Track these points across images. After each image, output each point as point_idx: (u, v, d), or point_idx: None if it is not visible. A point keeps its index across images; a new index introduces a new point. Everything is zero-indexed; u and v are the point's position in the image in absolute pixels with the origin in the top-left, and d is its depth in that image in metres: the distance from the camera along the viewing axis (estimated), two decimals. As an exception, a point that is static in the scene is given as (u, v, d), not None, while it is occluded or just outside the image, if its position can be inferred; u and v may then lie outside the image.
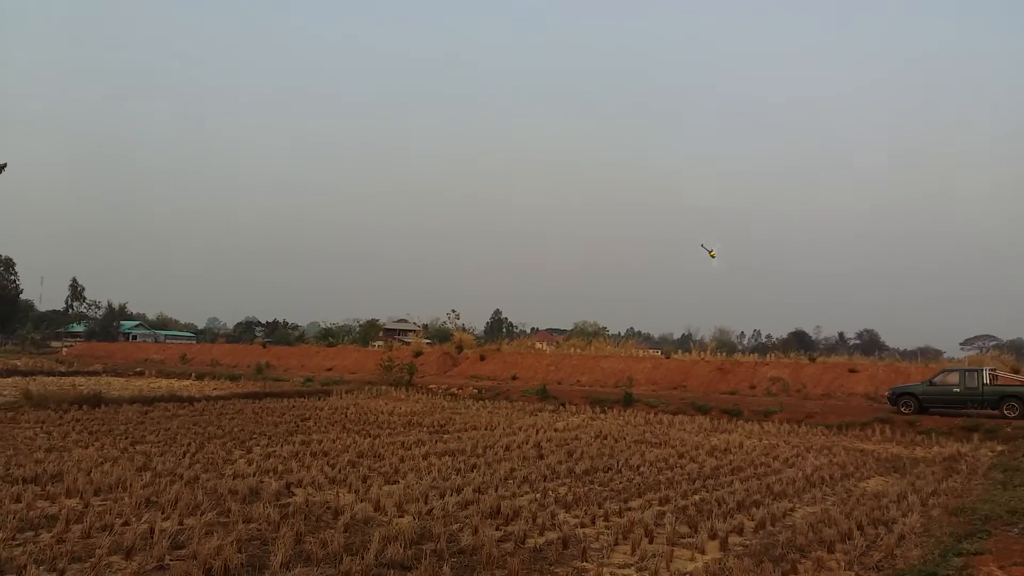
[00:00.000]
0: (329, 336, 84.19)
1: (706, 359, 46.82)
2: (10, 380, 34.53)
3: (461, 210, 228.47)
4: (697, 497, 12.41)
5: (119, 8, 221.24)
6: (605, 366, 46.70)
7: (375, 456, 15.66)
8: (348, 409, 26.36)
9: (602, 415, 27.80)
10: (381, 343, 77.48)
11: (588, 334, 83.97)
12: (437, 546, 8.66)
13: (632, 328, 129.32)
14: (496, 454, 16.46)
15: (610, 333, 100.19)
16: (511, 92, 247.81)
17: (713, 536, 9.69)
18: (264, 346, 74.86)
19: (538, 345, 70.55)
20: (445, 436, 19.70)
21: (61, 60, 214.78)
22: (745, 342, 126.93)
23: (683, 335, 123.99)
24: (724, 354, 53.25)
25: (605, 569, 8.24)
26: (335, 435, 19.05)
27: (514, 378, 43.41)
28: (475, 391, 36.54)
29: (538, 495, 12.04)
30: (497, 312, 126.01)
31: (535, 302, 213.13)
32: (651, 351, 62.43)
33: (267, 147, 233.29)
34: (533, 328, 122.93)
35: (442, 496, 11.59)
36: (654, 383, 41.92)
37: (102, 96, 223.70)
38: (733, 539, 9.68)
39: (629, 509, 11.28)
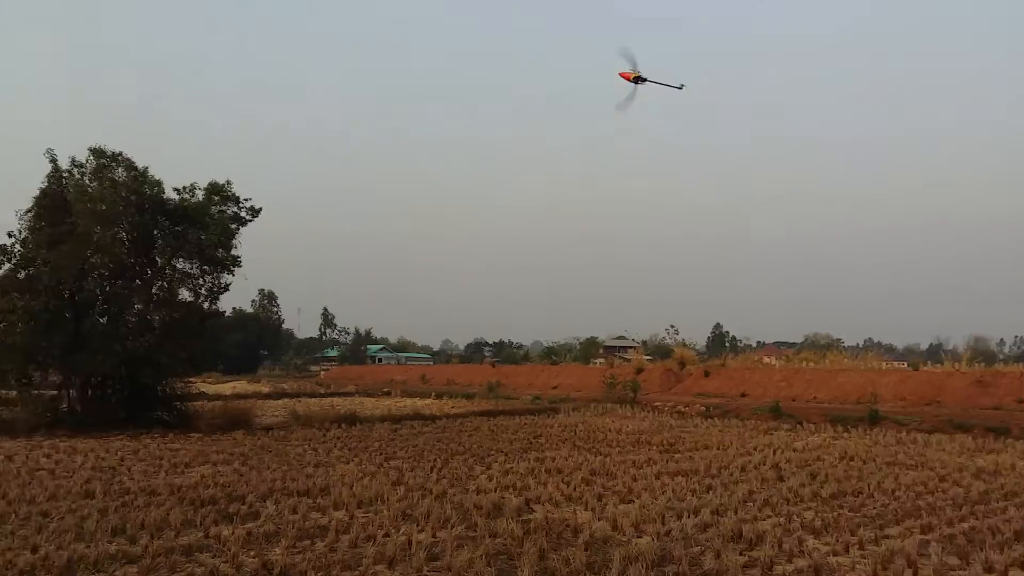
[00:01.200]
0: (552, 355, 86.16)
1: (962, 371, 42.14)
2: (280, 402, 38.81)
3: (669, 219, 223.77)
4: (965, 525, 11.23)
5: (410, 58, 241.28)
6: (843, 381, 43.52)
7: (607, 474, 15.78)
8: (576, 427, 26.77)
9: (845, 434, 25.97)
10: (602, 360, 77.95)
11: (821, 347, 78.80)
12: (679, 569, 8.56)
13: (871, 339, 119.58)
14: (732, 475, 15.94)
15: (845, 345, 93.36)
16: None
17: (989, 569, 8.74)
18: (493, 365, 77.99)
19: (765, 360, 67.38)
20: (676, 455, 19.40)
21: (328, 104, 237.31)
22: (1007, 350, 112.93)
23: (931, 345, 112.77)
24: (983, 364, 47.68)
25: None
26: (566, 452, 19.43)
27: (743, 395, 41.74)
28: (703, 408, 35.62)
29: (782, 519, 11.50)
30: (718, 326, 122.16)
31: (758, 314, 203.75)
32: (895, 364, 57.34)
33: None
34: (759, 342, 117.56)
35: (679, 517, 11.43)
36: (902, 399, 38.38)
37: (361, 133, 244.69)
38: (1014, 573, 8.66)
39: (886, 537, 10.44)
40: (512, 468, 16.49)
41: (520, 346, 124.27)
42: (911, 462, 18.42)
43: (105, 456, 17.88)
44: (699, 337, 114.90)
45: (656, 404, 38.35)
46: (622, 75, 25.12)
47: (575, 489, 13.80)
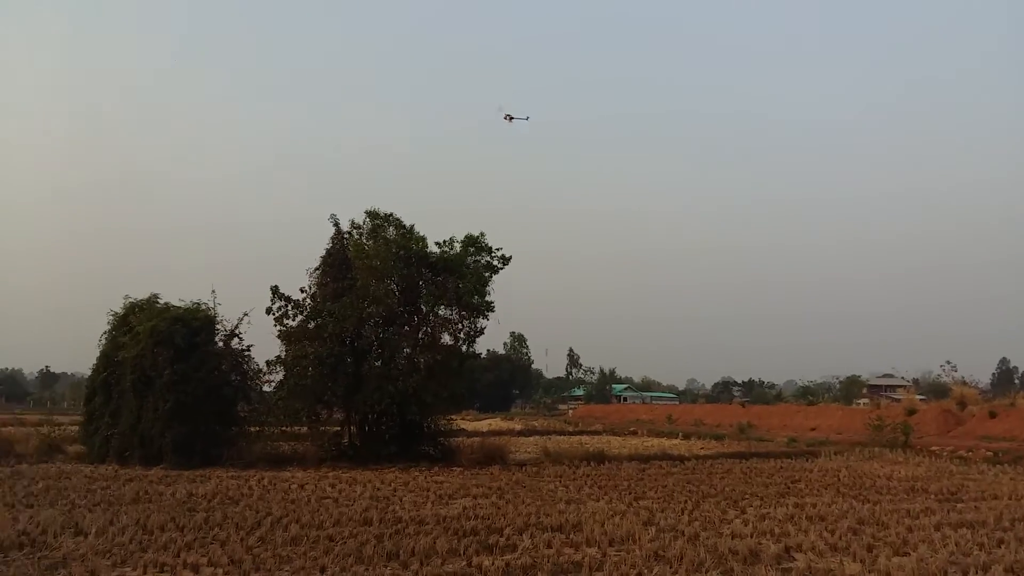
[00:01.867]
0: (808, 394, 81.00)
1: None
2: (531, 439, 40.15)
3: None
4: None
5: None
6: None
7: (878, 524, 14.51)
8: (840, 472, 24.88)
9: None
10: (866, 401, 71.96)
11: None
12: (969, 632, 7.66)
13: None
14: (1031, 529, 13.96)
15: None
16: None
17: None
18: (743, 405, 75.04)
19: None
20: (959, 505, 17.36)
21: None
22: None
23: None
24: None
25: None
26: (829, 499, 18.14)
27: (1042, 438, 36.40)
28: (989, 454, 31.54)
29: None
30: (1004, 361, 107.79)
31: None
32: None
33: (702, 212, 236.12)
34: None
35: (964, 574, 10.23)
36: None
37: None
38: None
39: None
40: (769, 513, 15.71)
41: (772, 385, 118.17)
42: None
43: (380, 487, 19.61)
44: (981, 374, 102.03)
45: (932, 449, 34.57)
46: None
47: (840, 538, 12.84)
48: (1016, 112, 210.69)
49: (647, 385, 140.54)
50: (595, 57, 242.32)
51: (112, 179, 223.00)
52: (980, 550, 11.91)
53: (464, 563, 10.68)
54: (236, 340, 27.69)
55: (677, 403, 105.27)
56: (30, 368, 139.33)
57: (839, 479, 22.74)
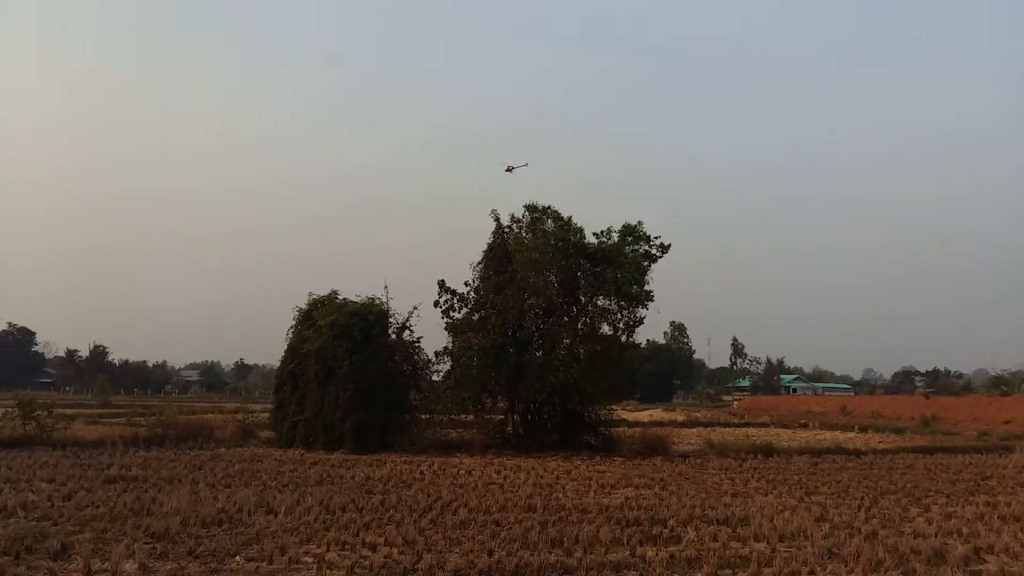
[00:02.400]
0: (1002, 384, 74.10)
1: None
2: (694, 431, 39.39)
3: None
4: None
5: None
6: None
7: (1088, 528, 13.15)
8: (1041, 469, 22.71)
9: None
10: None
11: None
12: None
13: None
14: None
15: None
16: None
17: None
18: (927, 396, 69.83)
19: None
20: None
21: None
22: None
23: None
24: None
25: None
26: (1029, 499, 16.62)
27: None
28: None
29: None
30: None
31: None
32: None
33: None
34: None
35: None
36: None
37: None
38: None
39: None
40: (956, 512, 14.64)
41: (959, 375, 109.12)
42: None
43: (543, 474, 20.03)
44: None
45: None
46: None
47: (1041, 542, 11.79)
48: None
49: (819, 375, 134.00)
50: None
51: (313, 177, 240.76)
52: None
53: (628, 553, 10.75)
54: (407, 332, 29.25)
55: (852, 394, 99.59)
56: (227, 360, 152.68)
57: (1040, 478, 20.77)
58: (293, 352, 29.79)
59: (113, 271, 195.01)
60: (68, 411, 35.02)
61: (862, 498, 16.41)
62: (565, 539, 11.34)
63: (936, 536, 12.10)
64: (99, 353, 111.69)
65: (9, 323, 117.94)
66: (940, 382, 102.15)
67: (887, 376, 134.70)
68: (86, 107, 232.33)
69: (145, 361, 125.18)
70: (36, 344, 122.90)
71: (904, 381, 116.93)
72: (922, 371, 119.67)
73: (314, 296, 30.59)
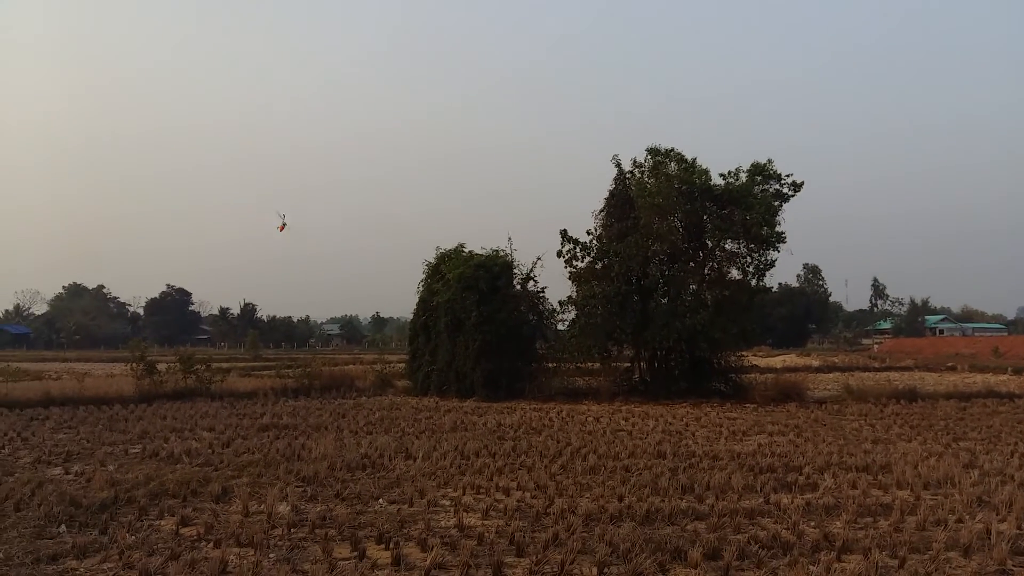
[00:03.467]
0: None
1: None
2: (831, 376, 38.01)
3: None
4: None
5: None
6: None
7: None
8: None
9: None
10: None
11: None
12: None
13: None
14: None
15: None
16: None
17: None
18: (1095, 336, 64.09)
19: None
20: None
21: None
22: None
23: None
24: None
25: None
26: None
27: None
28: None
29: None
30: None
31: None
32: None
33: None
34: None
35: None
36: None
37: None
38: None
39: None
40: None
41: None
42: None
43: (672, 421, 19.97)
44: None
45: None
46: None
47: None
48: None
49: (968, 316, 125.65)
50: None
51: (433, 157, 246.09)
52: None
53: (761, 500, 10.62)
54: (531, 283, 29.67)
55: (1006, 334, 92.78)
56: (364, 314, 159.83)
57: None
58: (424, 305, 30.84)
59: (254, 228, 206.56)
60: (224, 365, 37.75)
61: (1016, 444, 15.44)
62: (696, 485, 11.32)
63: (1102, 485, 11.25)
64: (249, 310, 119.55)
65: (168, 284, 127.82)
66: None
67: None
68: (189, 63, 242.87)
69: (290, 316, 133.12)
70: (192, 303, 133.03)
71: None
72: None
73: (442, 250, 31.44)
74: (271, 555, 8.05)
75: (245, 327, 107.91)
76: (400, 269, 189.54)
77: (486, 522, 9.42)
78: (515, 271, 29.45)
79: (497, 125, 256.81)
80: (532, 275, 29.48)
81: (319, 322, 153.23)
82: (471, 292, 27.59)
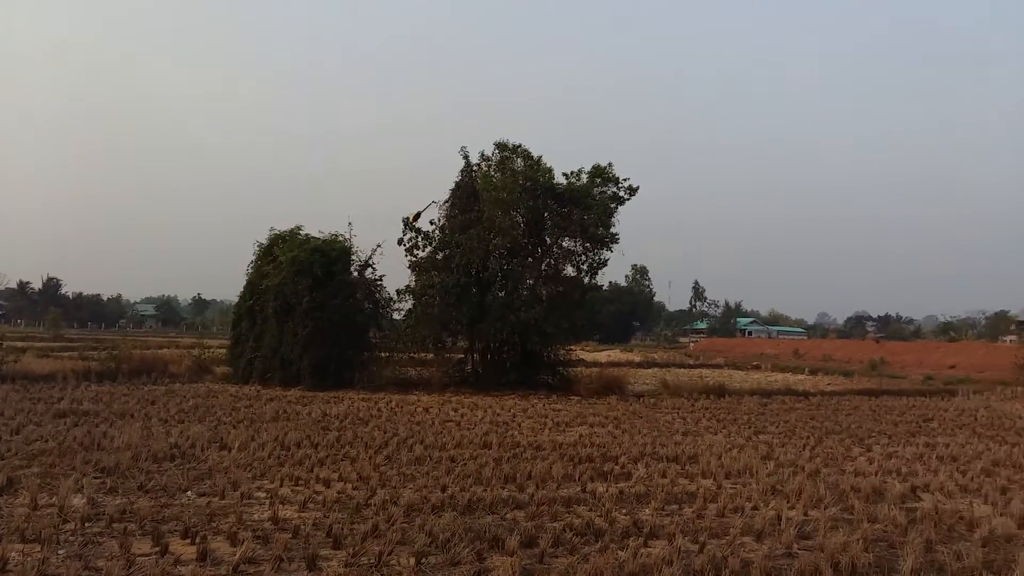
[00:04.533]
0: (950, 330, 76.59)
1: None
2: (650, 371, 40.18)
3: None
4: None
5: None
6: None
7: (1015, 467, 13.78)
8: (978, 411, 23.64)
9: None
10: (1013, 338, 67.21)
11: None
12: (1108, 583, 7.25)
13: None
14: None
15: None
16: None
17: None
18: (877, 341, 71.84)
19: None
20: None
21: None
22: None
23: None
24: None
25: None
26: (963, 439, 17.34)
27: None
28: None
29: None
30: None
31: None
32: None
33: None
34: None
35: (1109, 523, 9.61)
36: None
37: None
38: None
39: None
40: (896, 452, 15.20)
41: (910, 320, 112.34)
42: None
43: (500, 413, 20.26)
44: None
45: (1090, 390, 32.10)
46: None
47: (972, 479, 12.31)
48: None
49: (774, 319, 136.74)
50: None
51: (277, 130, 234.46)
52: None
53: (579, 488, 10.97)
54: (369, 270, 29.08)
55: (805, 338, 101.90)
56: (184, 295, 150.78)
57: (976, 419, 21.63)
58: (252, 288, 29.45)
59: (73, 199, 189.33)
60: (19, 344, 34.36)
61: (808, 438, 16.93)
62: (518, 475, 11.52)
63: (876, 475, 12.55)
64: (52, 285, 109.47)
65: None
66: (891, 327, 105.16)
67: (840, 321, 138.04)
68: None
69: (99, 294, 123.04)
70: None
71: (856, 326, 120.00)
72: (874, 316, 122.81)
73: (275, 231, 30.15)
74: (60, 551, 7.35)
75: (47, 304, 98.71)
76: (226, 248, 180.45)
77: (303, 514, 9.10)
78: (353, 257, 28.77)
79: (346, 108, 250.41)
80: (371, 262, 28.93)
81: (132, 302, 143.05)
82: (304, 276, 26.65)
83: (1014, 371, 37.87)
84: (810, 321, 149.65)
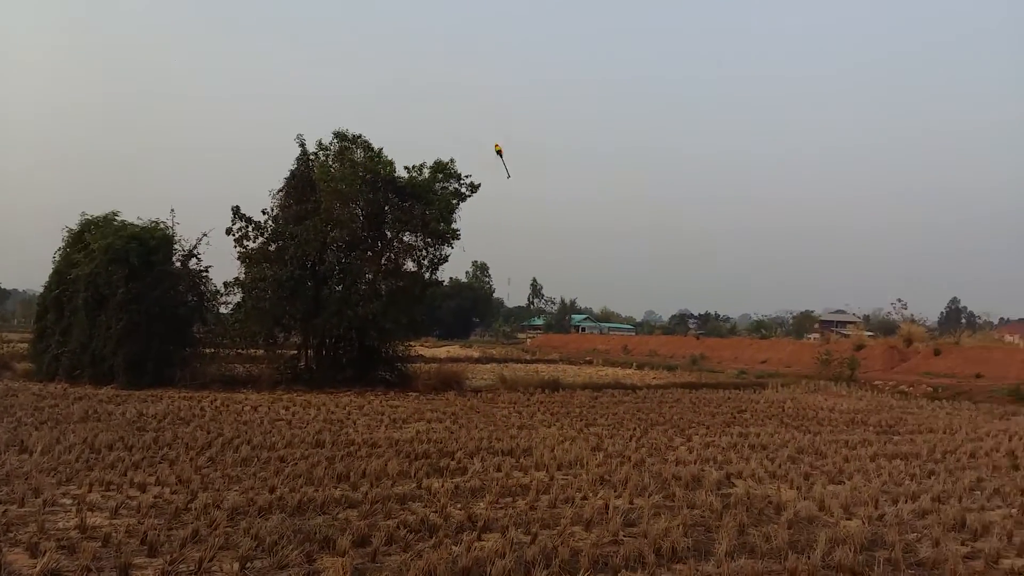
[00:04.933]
0: (761, 328, 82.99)
1: None
2: (488, 366, 40.63)
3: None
4: None
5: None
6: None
7: (816, 453, 15.08)
8: (785, 403, 25.70)
9: (1106, 424, 22.81)
10: (816, 336, 73.97)
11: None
12: (891, 555, 8.07)
13: None
14: (958, 461, 14.66)
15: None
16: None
17: None
18: (698, 338, 76.51)
19: (1008, 338, 60.58)
20: (895, 438, 18.09)
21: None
22: None
23: None
24: None
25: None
26: (772, 429, 18.77)
27: (978, 376, 37.76)
28: (929, 389, 32.81)
29: (1015, 511, 10.45)
30: (954, 301, 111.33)
31: (1006, 290, 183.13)
32: None
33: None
34: (1002, 319, 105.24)
35: (895, 502, 10.73)
36: None
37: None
38: None
39: None
40: (713, 442, 16.22)
41: (727, 319, 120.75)
42: None
43: (335, 410, 19.75)
44: (930, 312, 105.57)
45: (876, 383, 35.81)
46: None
47: (780, 466, 13.35)
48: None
49: (606, 316, 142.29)
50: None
51: (89, 101, 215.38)
52: (911, 480, 12.46)
53: (414, 485, 10.87)
54: (194, 260, 27.35)
55: (634, 334, 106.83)
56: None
57: (783, 410, 23.49)
58: (60, 277, 26.98)
59: None
60: None
61: (634, 429, 17.72)
62: (352, 474, 11.26)
63: (695, 463, 13.32)
64: None
65: None
66: (710, 325, 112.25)
67: (665, 318, 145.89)
68: None
69: None
70: None
71: (679, 323, 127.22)
72: (695, 314, 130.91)
73: (87, 217, 27.76)
74: None
75: None
76: (29, 234, 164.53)
77: (115, 521, 8.42)
78: (176, 247, 27.02)
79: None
80: (196, 252, 27.24)
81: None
82: (120, 266, 24.72)
83: (816, 366, 41.51)
84: (638, 319, 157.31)
